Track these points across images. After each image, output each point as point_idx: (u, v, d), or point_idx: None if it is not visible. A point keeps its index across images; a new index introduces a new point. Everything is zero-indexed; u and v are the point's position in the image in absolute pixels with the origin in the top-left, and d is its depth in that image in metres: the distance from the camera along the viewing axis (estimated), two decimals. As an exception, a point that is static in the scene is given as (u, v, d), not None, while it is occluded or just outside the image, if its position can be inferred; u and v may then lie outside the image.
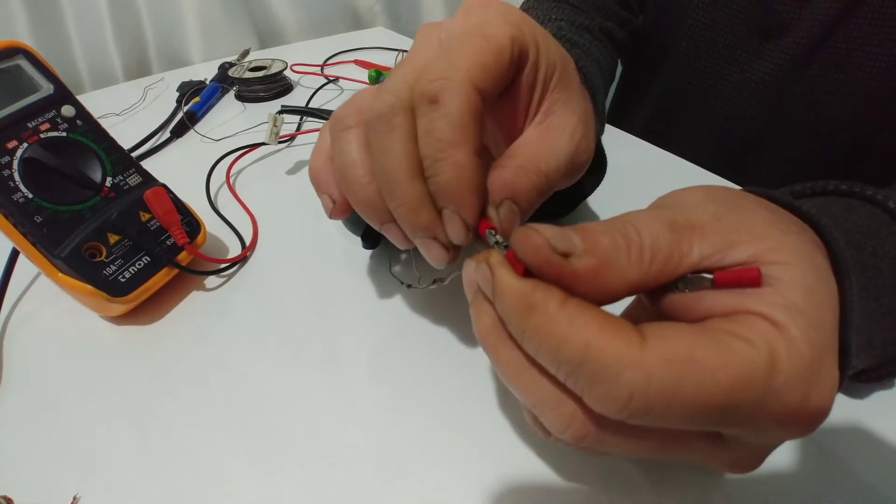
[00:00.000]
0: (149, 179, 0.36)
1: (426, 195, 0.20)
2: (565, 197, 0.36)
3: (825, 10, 0.43)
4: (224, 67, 0.68)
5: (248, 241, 0.39)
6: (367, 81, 0.55)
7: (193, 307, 0.34)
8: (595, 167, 0.35)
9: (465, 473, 0.24)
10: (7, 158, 0.30)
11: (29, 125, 0.31)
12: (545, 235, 0.16)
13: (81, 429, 0.28)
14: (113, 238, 0.32)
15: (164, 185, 0.36)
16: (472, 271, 0.19)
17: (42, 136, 0.31)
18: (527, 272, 0.17)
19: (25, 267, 0.33)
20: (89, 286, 0.30)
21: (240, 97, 0.65)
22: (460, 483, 0.24)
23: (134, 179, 0.35)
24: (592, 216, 0.39)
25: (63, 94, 0.33)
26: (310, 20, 0.99)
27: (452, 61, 0.20)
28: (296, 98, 0.64)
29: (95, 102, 0.51)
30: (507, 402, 0.27)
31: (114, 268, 0.31)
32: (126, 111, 0.62)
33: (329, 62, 0.72)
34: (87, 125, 0.34)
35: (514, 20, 0.21)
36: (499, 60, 0.20)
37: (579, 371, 0.15)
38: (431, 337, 0.31)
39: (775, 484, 0.23)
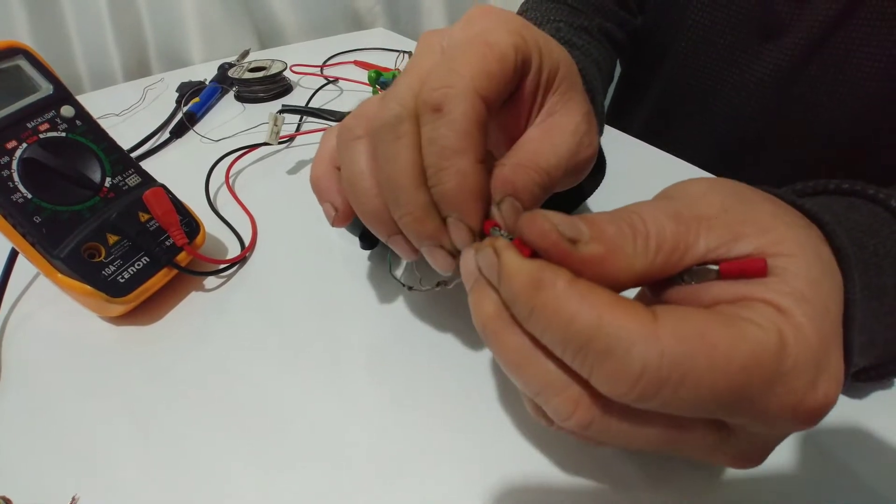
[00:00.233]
0: (148, 180, 0.36)
1: (431, 203, 0.20)
2: (565, 198, 0.36)
3: (824, 10, 0.43)
4: (224, 68, 0.68)
5: (247, 242, 0.39)
6: (367, 82, 0.55)
7: (193, 308, 0.34)
8: (594, 168, 0.35)
9: (465, 473, 0.24)
10: (6, 159, 0.30)
11: (28, 125, 0.31)
12: (553, 221, 0.16)
13: (80, 429, 0.27)
14: (112, 238, 0.32)
15: (163, 186, 0.36)
16: (472, 259, 0.19)
17: (41, 136, 0.31)
18: (533, 255, 0.17)
19: (24, 267, 0.33)
20: (88, 287, 0.30)
21: (239, 98, 0.65)
22: (460, 483, 0.24)
23: (133, 180, 0.35)
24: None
25: (62, 95, 0.33)
26: (310, 21, 0.99)
27: (456, 69, 0.20)
28: (295, 99, 0.64)
29: (95, 103, 0.51)
30: (508, 402, 0.27)
31: (113, 268, 0.31)
32: (125, 111, 0.62)
33: (329, 63, 0.72)
34: (87, 125, 0.34)
35: (516, 28, 0.21)
36: (503, 68, 0.20)
37: (588, 347, 0.15)
38: (431, 337, 0.31)
39: (775, 484, 0.23)
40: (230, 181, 0.46)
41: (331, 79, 0.67)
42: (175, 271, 0.34)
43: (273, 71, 0.63)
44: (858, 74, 0.44)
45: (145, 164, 0.37)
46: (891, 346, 0.23)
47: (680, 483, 0.23)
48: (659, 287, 0.18)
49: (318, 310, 0.34)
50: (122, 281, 0.31)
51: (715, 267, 0.17)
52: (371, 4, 1.04)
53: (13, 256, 0.34)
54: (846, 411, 0.26)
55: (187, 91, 0.62)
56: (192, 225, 0.36)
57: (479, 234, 0.20)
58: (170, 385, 0.29)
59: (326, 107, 0.59)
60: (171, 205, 0.34)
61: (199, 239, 0.36)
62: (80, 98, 0.34)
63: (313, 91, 0.64)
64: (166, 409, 0.28)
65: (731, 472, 0.24)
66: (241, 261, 0.38)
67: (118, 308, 0.32)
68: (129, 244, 0.32)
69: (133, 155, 0.51)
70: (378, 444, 0.26)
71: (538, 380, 0.17)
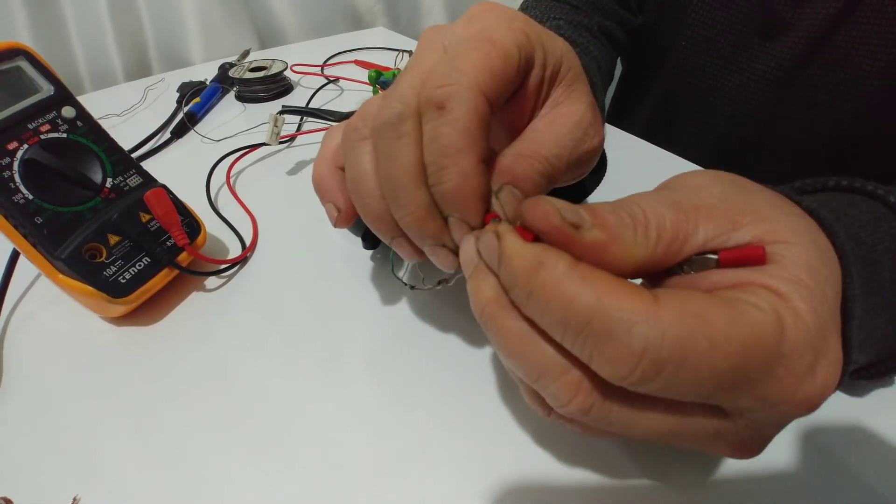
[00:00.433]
0: (149, 180, 0.36)
1: (432, 203, 0.20)
2: (568, 196, 0.36)
3: (825, 9, 0.43)
4: (224, 68, 0.68)
5: (248, 242, 0.39)
6: (368, 81, 0.55)
7: (194, 308, 0.34)
8: (595, 166, 0.35)
9: (465, 473, 0.24)
10: (7, 160, 0.30)
11: (29, 126, 0.31)
12: (556, 205, 0.16)
13: (81, 430, 0.28)
14: (113, 239, 0.32)
15: (164, 186, 0.36)
16: (472, 246, 0.19)
17: (42, 137, 0.31)
18: (535, 241, 0.17)
19: (26, 268, 0.33)
20: (89, 287, 0.30)
21: (240, 98, 0.65)
22: (460, 483, 0.24)
23: (134, 180, 0.35)
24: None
25: (63, 95, 0.33)
26: (310, 21, 0.99)
27: (460, 67, 0.20)
28: (296, 98, 0.64)
29: (96, 103, 0.51)
30: (509, 401, 0.27)
31: (114, 269, 0.31)
32: (126, 112, 0.62)
33: (329, 62, 0.72)
34: (88, 126, 0.34)
35: (519, 25, 0.21)
36: (506, 66, 0.20)
37: (589, 329, 0.15)
38: (432, 337, 0.31)
39: (775, 484, 0.23)
40: (231, 181, 0.46)
41: (331, 78, 0.67)
42: (176, 272, 0.34)
43: (273, 71, 0.63)
44: (859, 73, 0.44)
45: (146, 165, 0.37)
46: (890, 342, 0.23)
47: (681, 483, 0.23)
48: (658, 278, 0.18)
49: (318, 310, 0.34)
50: (123, 281, 0.31)
51: (714, 256, 0.17)
52: (371, 4, 1.04)
53: (14, 257, 0.34)
54: (846, 410, 0.26)
55: (188, 91, 0.62)
56: (193, 225, 0.36)
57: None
58: (171, 385, 0.29)
59: (327, 106, 0.59)
60: (172, 205, 0.34)
61: (200, 239, 0.36)
62: (80, 99, 0.34)
63: (314, 91, 0.64)
64: (167, 409, 0.28)
65: (732, 472, 0.24)
66: (242, 261, 0.38)
67: (119, 308, 0.32)
68: (130, 245, 0.33)
69: (134, 155, 0.51)
70: (378, 443, 0.26)
71: (537, 364, 0.17)
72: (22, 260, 0.32)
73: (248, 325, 0.33)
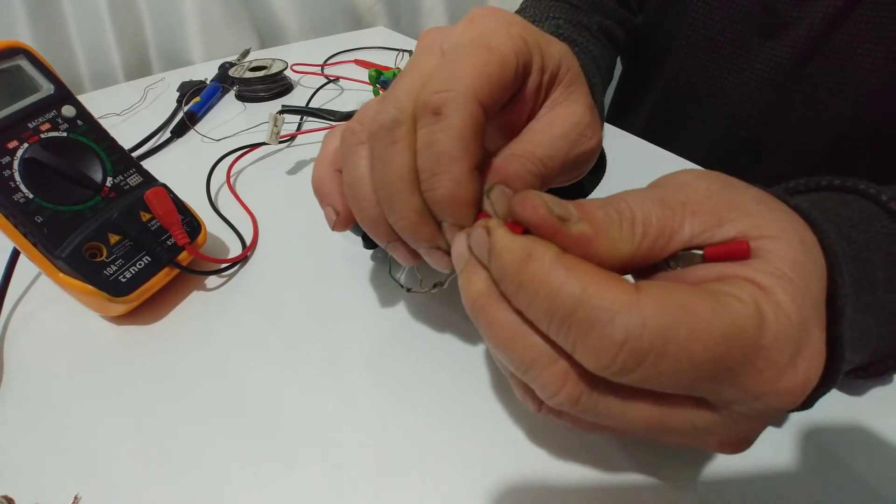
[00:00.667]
0: (149, 179, 0.36)
1: (425, 207, 0.20)
2: (564, 196, 0.36)
3: (824, 8, 0.43)
4: (224, 67, 0.68)
5: (248, 241, 0.39)
6: (368, 81, 0.55)
7: (194, 307, 0.34)
8: (594, 166, 0.35)
9: (465, 473, 0.24)
10: (8, 159, 0.30)
11: (29, 125, 0.31)
12: (544, 198, 0.17)
13: (82, 429, 0.28)
14: (113, 238, 0.32)
15: (164, 185, 0.36)
16: (463, 242, 0.19)
17: (43, 136, 0.31)
18: (524, 234, 0.17)
19: (26, 267, 0.33)
20: (90, 286, 0.30)
21: (240, 97, 0.65)
22: (460, 483, 0.24)
23: (134, 179, 0.35)
24: (593, 216, 0.39)
25: (63, 94, 0.33)
26: (310, 20, 0.99)
27: (456, 73, 0.20)
28: (296, 98, 0.64)
29: (96, 102, 0.51)
30: (507, 402, 0.27)
31: (114, 268, 0.31)
32: (126, 111, 0.62)
33: (329, 62, 0.72)
34: (88, 125, 0.34)
35: (518, 31, 0.21)
36: (503, 73, 0.20)
37: (573, 318, 0.15)
38: (432, 337, 0.31)
39: (775, 483, 0.23)
40: (231, 180, 0.46)
41: (331, 78, 0.67)
42: (176, 271, 0.34)
43: (274, 70, 0.63)
44: (858, 71, 0.44)
45: (146, 164, 0.37)
46: (886, 341, 0.23)
47: (679, 482, 0.23)
48: (645, 273, 0.18)
49: (318, 310, 0.34)
50: (123, 280, 0.31)
51: (699, 251, 0.17)
52: (371, 3, 1.04)
53: (15, 256, 0.34)
54: (845, 409, 0.26)
55: (188, 90, 0.62)
56: (193, 224, 0.36)
57: None
58: (171, 384, 0.29)
59: (327, 106, 0.59)
60: (173, 204, 0.34)
61: (200, 238, 0.36)
62: (80, 98, 0.34)
63: (314, 90, 0.64)
64: (167, 408, 0.28)
65: (731, 471, 0.24)
66: (242, 260, 0.38)
67: (120, 307, 0.32)
68: (130, 244, 0.33)
69: (134, 154, 0.51)
70: (378, 443, 0.26)
71: (526, 355, 0.17)
72: (22, 259, 0.32)
73: (249, 324, 0.33)
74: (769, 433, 0.25)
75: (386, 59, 0.72)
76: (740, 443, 0.18)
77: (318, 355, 0.31)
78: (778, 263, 0.16)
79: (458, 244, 0.19)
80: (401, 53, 0.71)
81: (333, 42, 0.79)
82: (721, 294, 0.15)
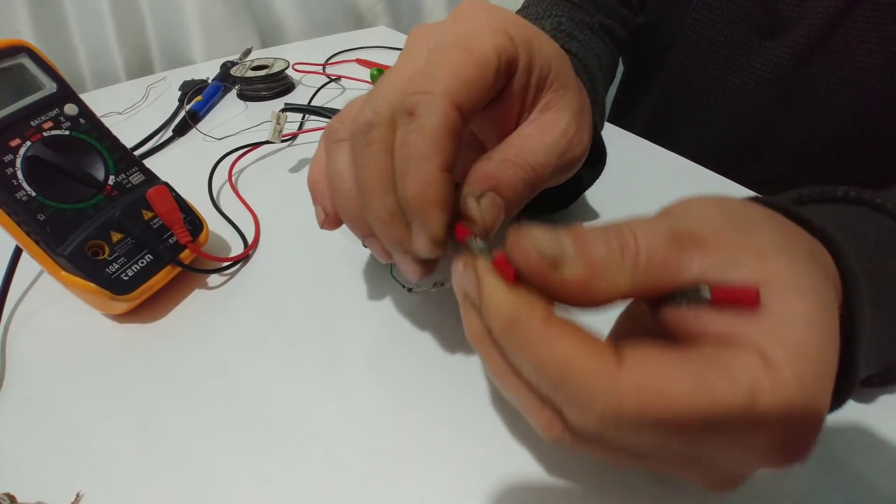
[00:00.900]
0: (151, 178, 0.36)
1: (398, 209, 0.21)
2: (563, 191, 0.36)
3: (824, 8, 0.43)
4: (226, 66, 0.68)
5: (250, 240, 0.40)
6: (369, 80, 0.55)
7: (196, 305, 0.35)
8: (594, 159, 0.35)
9: (464, 473, 0.24)
10: (10, 156, 0.30)
11: (32, 123, 0.31)
12: (535, 241, 0.16)
13: (84, 426, 0.28)
14: (116, 236, 0.32)
15: (166, 184, 0.36)
16: (460, 274, 0.19)
17: (45, 134, 0.32)
18: (518, 275, 0.17)
19: (28, 265, 0.33)
20: (92, 284, 0.30)
21: (242, 96, 0.65)
22: (460, 483, 0.24)
23: (137, 178, 0.35)
24: (592, 213, 0.39)
25: (66, 93, 0.33)
26: (311, 20, 0.99)
27: (433, 74, 0.20)
28: (297, 97, 0.64)
29: (98, 101, 0.51)
30: (508, 403, 0.27)
31: (116, 266, 0.32)
32: (128, 110, 0.62)
33: (331, 61, 0.72)
34: (90, 123, 0.34)
35: (503, 26, 0.21)
36: (482, 74, 0.20)
37: (557, 388, 0.16)
38: (433, 337, 0.31)
39: (775, 484, 0.23)
40: (233, 179, 0.46)
41: (333, 77, 0.67)
42: (178, 269, 0.34)
43: (275, 69, 0.63)
44: (858, 72, 0.44)
45: (148, 163, 0.37)
46: (892, 354, 0.22)
47: (681, 483, 0.23)
48: (652, 303, 0.18)
49: (320, 308, 0.34)
50: (125, 278, 0.32)
51: (707, 295, 0.16)
52: (372, 3, 1.04)
53: (17, 254, 0.34)
54: (846, 410, 0.25)
55: (190, 89, 0.62)
56: (195, 223, 0.36)
57: (452, 240, 0.20)
58: (173, 382, 0.30)
59: (329, 105, 0.59)
60: (175, 203, 0.35)
61: (202, 237, 0.36)
62: (82, 97, 0.34)
63: (315, 89, 0.64)
64: (169, 406, 0.28)
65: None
66: (244, 259, 0.38)
67: (122, 306, 0.32)
68: (132, 242, 0.33)
69: (136, 153, 0.51)
70: (378, 443, 0.26)
71: (517, 397, 0.18)
72: (24, 257, 0.32)
73: (250, 323, 0.33)
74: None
75: (387, 59, 0.72)
76: (725, 487, 0.18)
77: (319, 355, 0.31)
78: (790, 327, 0.15)
79: (457, 273, 0.19)
80: (402, 53, 0.71)
81: (335, 41, 0.79)
82: (712, 371, 0.15)
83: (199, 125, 0.58)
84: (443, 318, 0.32)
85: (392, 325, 0.32)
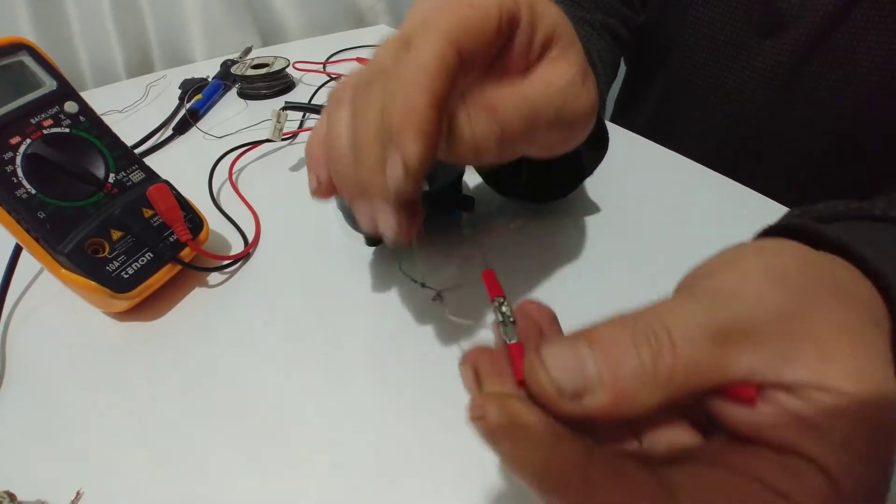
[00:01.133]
0: (152, 176, 0.36)
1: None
2: (566, 170, 0.36)
3: (824, 6, 0.43)
4: (226, 65, 0.68)
5: (250, 238, 0.39)
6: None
7: (196, 304, 0.35)
8: (596, 143, 0.35)
9: (465, 474, 0.24)
10: (10, 154, 0.30)
11: (32, 121, 0.31)
12: (552, 373, 0.15)
13: (84, 425, 0.28)
14: (116, 234, 0.32)
15: (167, 182, 0.36)
16: (476, 396, 0.17)
17: (45, 131, 0.31)
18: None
19: (28, 263, 0.33)
20: (92, 282, 0.30)
21: (242, 95, 0.65)
22: (460, 483, 0.24)
23: (137, 176, 0.35)
24: (592, 210, 0.39)
25: (66, 90, 0.33)
26: (312, 19, 0.99)
27: (433, 20, 0.20)
28: (298, 96, 0.64)
29: (98, 100, 0.51)
30: (510, 398, 0.27)
31: (117, 264, 0.31)
32: (128, 108, 0.62)
33: (331, 60, 0.72)
34: (90, 121, 0.34)
35: None
36: (482, 22, 0.20)
37: None
38: (434, 336, 0.31)
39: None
40: (233, 177, 0.46)
41: (333, 76, 0.67)
42: (179, 267, 0.34)
43: (276, 68, 0.63)
44: (859, 70, 0.44)
45: (149, 161, 0.37)
46: None
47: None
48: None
49: (320, 307, 0.34)
50: (125, 276, 0.31)
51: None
52: (373, 2, 1.04)
53: (17, 252, 0.34)
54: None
55: (190, 88, 0.62)
56: (195, 221, 0.36)
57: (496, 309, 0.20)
58: (173, 380, 0.29)
59: (329, 104, 0.59)
60: (175, 201, 0.35)
61: (202, 235, 0.36)
62: (83, 95, 0.34)
63: (316, 88, 0.64)
64: (169, 404, 0.28)
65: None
66: (244, 257, 0.38)
67: (122, 304, 0.32)
68: (132, 240, 0.33)
69: (136, 151, 0.51)
70: (379, 443, 0.26)
71: None
72: (24, 255, 0.32)
73: (251, 321, 0.33)
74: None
75: (388, 58, 0.71)
76: None
77: (320, 353, 0.31)
78: (853, 443, 0.14)
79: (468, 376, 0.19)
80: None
81: (335, 40, 0.79)
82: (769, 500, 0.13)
83: (200, 123, 0.58)
84: (444, 318, 0.32)
85: (394, 323, 0.32)
